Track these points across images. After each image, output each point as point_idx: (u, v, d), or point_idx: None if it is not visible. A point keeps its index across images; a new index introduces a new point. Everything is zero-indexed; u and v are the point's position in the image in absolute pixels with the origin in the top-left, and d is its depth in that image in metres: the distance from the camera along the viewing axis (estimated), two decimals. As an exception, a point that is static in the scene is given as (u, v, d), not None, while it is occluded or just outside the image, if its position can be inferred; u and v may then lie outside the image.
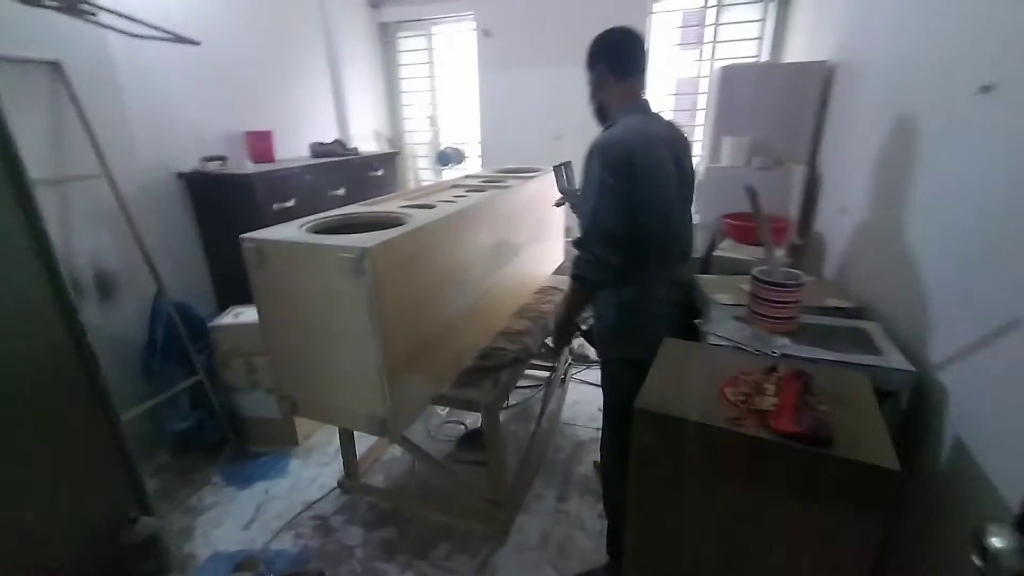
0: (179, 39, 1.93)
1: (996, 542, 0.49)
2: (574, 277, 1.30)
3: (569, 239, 1.77)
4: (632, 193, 1.19)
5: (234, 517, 1.92)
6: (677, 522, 0.93)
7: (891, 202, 1.30)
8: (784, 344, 1.09)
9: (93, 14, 1.68)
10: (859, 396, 0.88)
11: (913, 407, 1.01)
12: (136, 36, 1.92)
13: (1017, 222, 0.82)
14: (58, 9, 1.62)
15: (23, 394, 1.31)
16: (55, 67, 1.83)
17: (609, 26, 1.33)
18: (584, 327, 1.55)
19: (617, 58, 1.31)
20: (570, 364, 2.83)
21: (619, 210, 1.19)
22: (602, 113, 1.39)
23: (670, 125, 1.36)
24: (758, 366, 0.96)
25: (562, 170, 1.79)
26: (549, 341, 2.24)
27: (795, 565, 0.83)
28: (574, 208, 1.67)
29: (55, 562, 1.37)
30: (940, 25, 1.16)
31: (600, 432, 1.65)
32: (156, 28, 1.89)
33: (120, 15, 1.78)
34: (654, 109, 1.37)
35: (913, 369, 0.98)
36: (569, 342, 1.57)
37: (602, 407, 1.53)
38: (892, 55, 1.44)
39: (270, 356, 1.46)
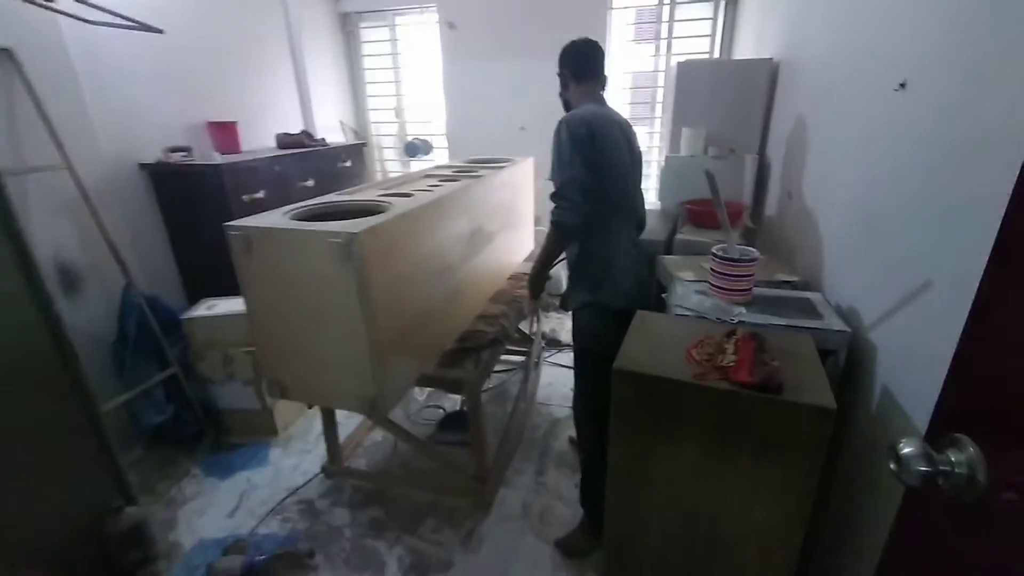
0: (143, 27, 1.89)
1: (906, 449, 0.62)
2: (554, 223, 1.47)
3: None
4: (593, 156, 1.43)
5: (217, 506, 1.93)
6: (653, 475, 1.05)
7: (825, 187, 1.47)
8: (741, 312, 1.23)
9: (49, 0, 1.63)
10: (804, 353, 1.02)
11: (850, 363, 1.17)
12: (93, 23, 1.87)
13: (927, 202, 0.97)
14: (12, -7, 1.57)
15: (4, 388, 1.29)
16: (7, 53, 1.76)
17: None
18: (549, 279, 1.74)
19: (576, 65, 1.59)
20: (543, 348, 2.94)
21: (585, 165, 1.42)
22: (567, 107, 1.66)
23: (617, 114, 1.61)
24: (719, 331, 1.09)
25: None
26: (527, 327, 2.36)
27: (752, 501, 0.96)
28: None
29: (39, 554, 1.36)
30: (865, 27, 1.31)
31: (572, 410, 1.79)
32: (116, 15, 1.84)
33: (76, 0, 1.73)
34: (610, 103, 1.64)
35: (848, 330, 1.14)
36: (543, 288, 1.74)
37: (574, 360, 1.69)
38: (825, 54, 1.61)
39: (257, 342, 1.49)
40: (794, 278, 1.47)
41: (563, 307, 1.73)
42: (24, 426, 1.36)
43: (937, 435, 0.65)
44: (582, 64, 1.60)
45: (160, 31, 1.98)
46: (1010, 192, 0.57)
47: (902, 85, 1.06)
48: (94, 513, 1.54)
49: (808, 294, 1.35)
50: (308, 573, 1.65)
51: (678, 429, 0.98)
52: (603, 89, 1.63)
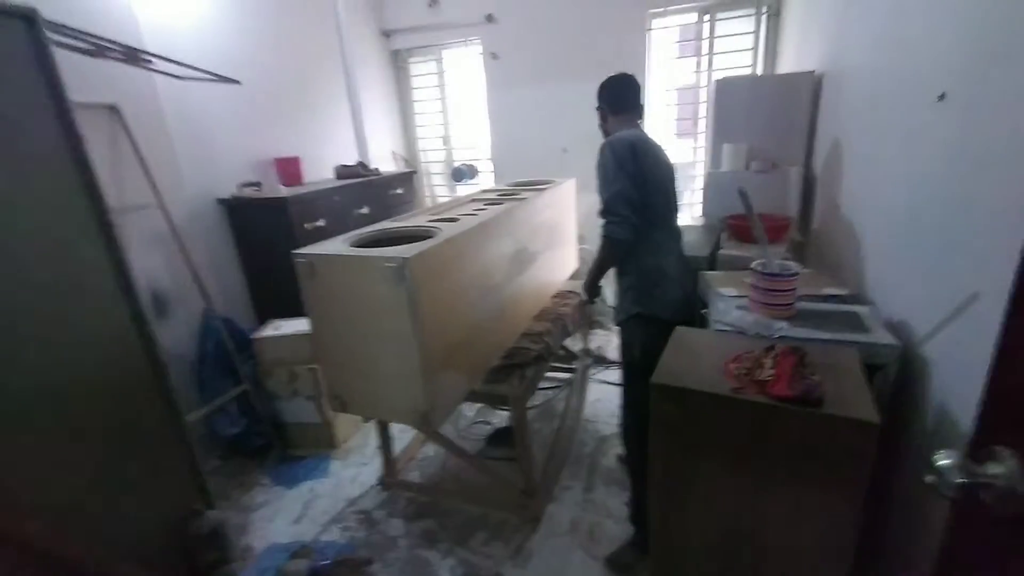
0: (221, 79, 2.13)
1: (943, 460, 0.62)
2: (604, 237, 1.57)
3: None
4: (636, 171, 1.53)
5: (284, 513, 2.08)
6: (693, 489, 1.06)
7: (871, 198, 1.44)
8: (782, 327, 1.23)
9: (149, 62, 1.88)
10: (848, 367, 1.01)
11: (902, 378, 1.14)
12: (181, 78, 2.13)
13: (970, 213, 0.95)
14: (120, 59, 1.83)
15: (104, 397, 1.48)
16: (113, 110, 2.04)
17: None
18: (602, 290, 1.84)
19: (612, 100, 1.73)
20: (591, 365, 2.96)
21: (630, 180, 1.52)
22: (607, 136, 1.74)
23: (655, 142, 1.70)
24: (758, 347, 1.10)
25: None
26: (573, 344, 2.42)
27: (796, 516, 0.96)
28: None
29: (133, 547, 1.52)
30: (905, 37, 1.30)
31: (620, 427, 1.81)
32: (200, 70, 2.10)
33: (171, 61, 1.99)
34: (648, 127, 1.77)
35: (897, 344, 1.11)
36: (599, 293, 1.83)
37: (621, 372, 1.76)
38: (866, 65, 1.59)
39: (320, 360, 1.62)
40: (842, 291, 1.45)
41: (614, 321, 1.81)
42: (123, 433, 1.54)
43: (978, 447, 0.65)
44: (618, 98, 1.73)
45: (237, 82, 2.23)
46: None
47: (942, 96, 1.05)
48: (179, 515, 1.71)
49: (856, 308, 1.33)
50: (366, 579, 1.74)
51: (717, 443, 0.99)
52: (640, 119, 1.75)
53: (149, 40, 2.12)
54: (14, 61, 1.28)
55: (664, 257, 1.65)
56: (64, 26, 1.54)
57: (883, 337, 1.14)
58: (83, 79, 1.92)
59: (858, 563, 0.99)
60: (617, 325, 1.74)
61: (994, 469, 0.59)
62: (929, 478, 0.63)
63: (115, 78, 2.03)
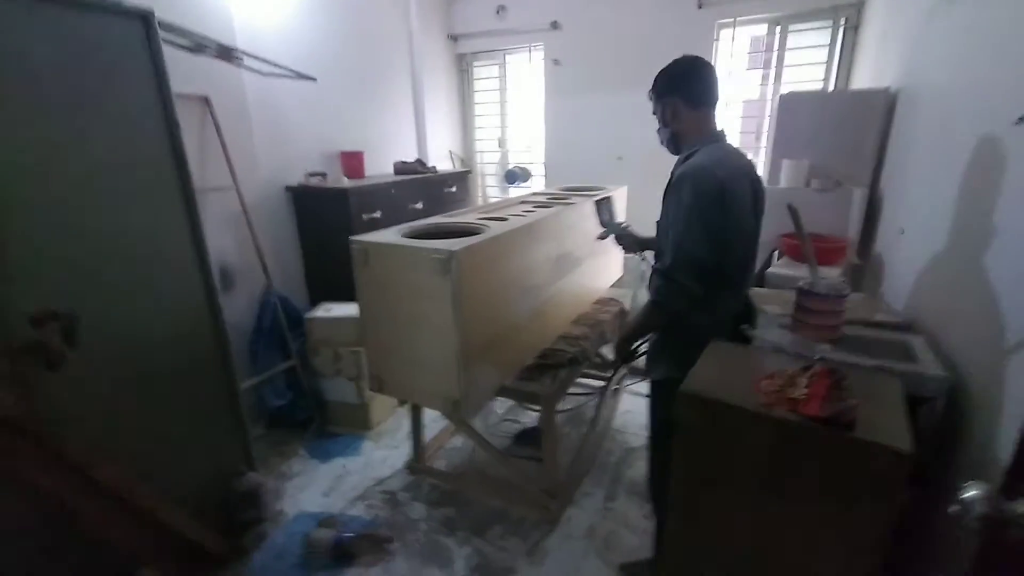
0: (300, 76, 2.30)
1: (970, 492, 0.60)
2: (655, 304, 1.29)
3: (639, 258, 1.86)
4: (720, 223, 1.21)
5: (316, 485, 2.19)
6: (713, 503, 1.05)
7: (939, 224, 1.37)
8: (824, 349, 1.19)
9: (240, 59, 2.07)
10: (888, 395, 0.97)
11: (952, 414, 1.08)
12: (265, 74, 2.31)
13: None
14: (216, 56, 2.02)
15: (176, 355, 1.64)
16: (204, 101, 2.24)
17: (674, 53, 1.36)
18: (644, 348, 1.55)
19: (689, 88, 1.31)
20: (624, 375, 2.93)
21: (708, 239, 1.20)
22: (675, 143, 1.38)
23: (744, 157, 1.36)
24: (795, 366, 1.08)
25: (603, 207, 2.00)
26: (609, 353, 2.38)
27: (815, 542, 0.93)
28: (619, 241, 1.88)
29: (184, 497, 1.66)
30: (984, 57, 1.23)
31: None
32: (282, 67, 2.27)
33: (257, 58, 2.17)
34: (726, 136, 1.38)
35: (947, 376, 1.05)
36: (630, 358, 1.54)
37: (648, 426, 1.54)
38: (943, 84, 1.50)
39: (364, 341, 1.72)
40: (895, 319, 1.38)
41: (646, 375, 1.54)
42: (185, 391, 1.69)
43: (1014, 483, 0.62)
44: (697, 85, 1.31)
45: (314, 79, 2.40)
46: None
47: (1022, 119, 1.00)
48: (225, 473, 1.85)
49: (908, 336, 1.26)
50: (385, 556, 1.81)
51: (741, 458, 0.98)
52: (715, 120, 1.37)
53: (241, 39, 2.32)
54: (132, 56, 1.46)
55: (719, 316, 1.35)
56: (173, 25, 1.72)
57: (932, 368, 1.08)
58: (181, 72, 2.12)
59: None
60: (648, 378, 1.50)
61: (1026, 507, 0.57)
62: (953, 508, 0.61)
63: (208, 72, 2.23)
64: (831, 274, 1.76)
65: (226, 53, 1.98)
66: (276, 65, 2.22)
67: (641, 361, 1.56)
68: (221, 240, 2.38)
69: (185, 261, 1.66)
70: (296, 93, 2.65)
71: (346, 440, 2.50)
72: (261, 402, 2.50)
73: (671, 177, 1.33)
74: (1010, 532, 0.58)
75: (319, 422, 2.56)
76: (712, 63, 1.35)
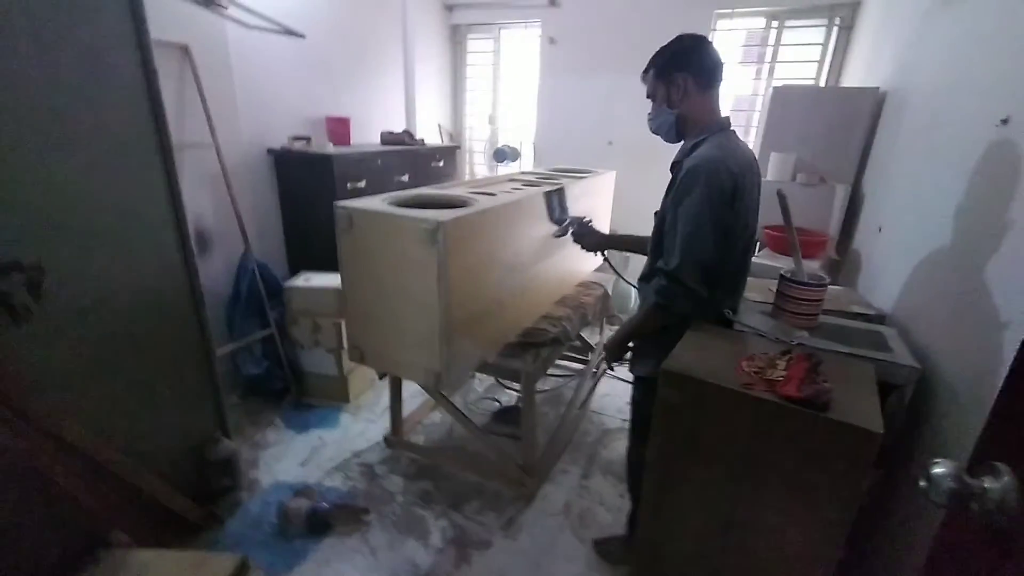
0: (288, 32, 2.21)
1: (938, 469, 0.63)
2: (659, 307, 1.22)
3: (599, 258, 1.73)
4: (731, 222, 1.16)
5: (292, 455, 2.18)
6: (689, 480, 1.08)
7: (916, 222, 1.41)
8: (802, 336, 1.22)
9: (224, 7, 1.97)
10: (861, 380, 1.01)
11: (920, 401, 1.13)
12: (250, 27, 2.21)
13: (1016, 243, 0.93)
14: (196, 2, 1.92)
15: (148, 317, 1.58)
16: (184, 50, 2.13)
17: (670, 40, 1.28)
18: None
19: (700, 64, 1.21)
20: (603, 358, 2.97)
21: (716, 238, 1.14)
22: (679, 128, 1.28)
23: (749, 149, 1.29)
24: (774, 349, 1.10)
25: (554, 198, 1.72)
26: (590, 336, 2.40)
27: (786, 518, 0.97)
28: (578, 239, 1.76)
29: (157, 462, 1.63)
30: (971, 60, 1.26)
31: (627, 422, 1.72)
32: (270, 20, 2.17)
33: (243, 8, 2.07)
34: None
35: (917, 366, 1.10)
36: (621, 359, 1.47)
37: (629, 423, 1.53)
38: (930, 86, 1.54)
39: (346, 310, 1.69)
40: (870, 311, 1.42)
41: (630, 370, 1.48)
42: (159, 353, 1.64)
43: (978, 461, 0.65)
44: (707, 62, 1.22)
45: (303, 36, 2.30)
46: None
47: (1005, 121, 1.02)
48: (199, 439, 1.82)
49: (882, 328, 1.30)
50: (362, 527, 1.81)
51: (718, 437, 1.00)
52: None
53: (223, -14, 2.21)
54: (104, -9, 1.36)
55: (713, 316, 1.30)
56: (150, -37, 1.62)
57: (904, 358, 1.12)
58: (160, 16, 2.01)
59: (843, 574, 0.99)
60: (634, 373, 1.44)
61: (990, 484, 0.60)
62: (922, 483, 0.64)
63: (190, 19, 2.12)
64: (811, 267, 1.80)
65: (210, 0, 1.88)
66: (263, 17, 2.12)
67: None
68: (198, 201, 2.30)
69: (160, 218, 1.59)
70: (282, 50, 2.54)
71: (323, 412, 2.48)
72: (237, 370, 2.45)
73: (677, 168, 1.24)
74: (972, 507, 0.61)
75: (296, 393, 2.53)
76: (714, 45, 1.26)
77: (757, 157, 2.35)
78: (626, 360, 1.48)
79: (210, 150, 2.25)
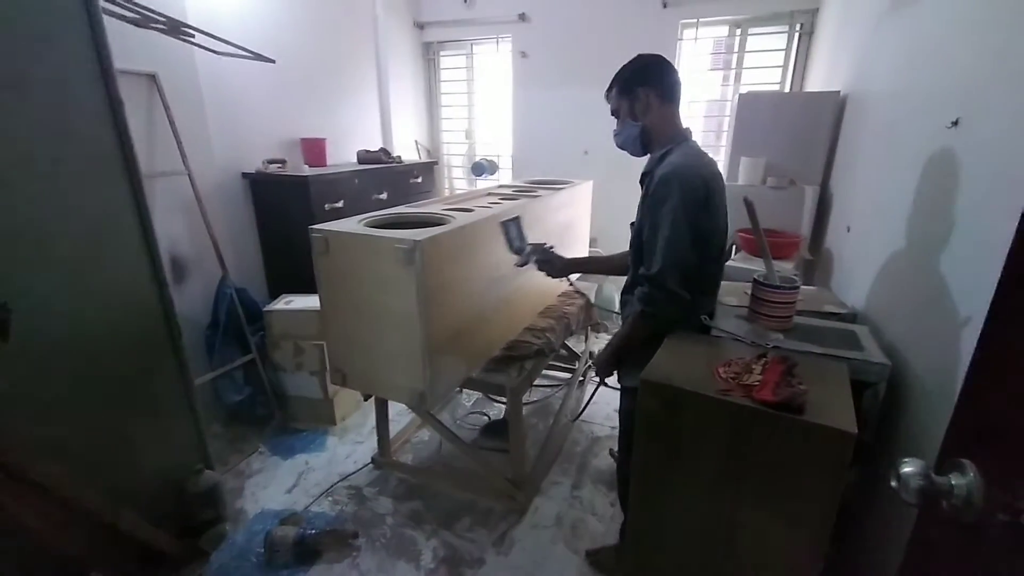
0: (258, 57, 2.20)
1: (906, 468, 0.65)
2: (646, 315, 1.24)
3: (566, 284, 1.68)
4: (706, 224, 1.20)
5: (278, 482, 2.14)
6: (673, 488, 1.09)
7: (881, 221, 1.45)
8: (778, 338, 1.25)
9: (191, 35, 1.96)
10: (835, 381, 1.03)
11: (893, 398, 1.15)
12: (220, 54, 2.20)
13: (973, 239, 0.96)
14: (162, 31, 1.91)
15: (122, 351, 1.55)
16: (152, 78, 2.12)
17: (639, 50, 1.35)
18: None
19: (660, 80, 1.28)
20: (589, 366, 2.98)
21: (693, 242, 1.19)
22: (644, 140, 1.33)
23: (710, 158, 1.34)
24: (750, 354, 1.12)
25: (511, 227, 1.64)
26: (575, 345, 2.40)
27: (770, 520, 0.98)
28: (542, 266, 1.67)
29: (135, 498, 1.59)
30: (924, 64, 1.31)
31: (615, 430, 1.74)
32: (239, 47, 2.17)
33: (211, 36, 2.06)
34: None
35: (888, 363, 1.12)
36: (612, 374, 1.47)
37: (619, 431, 1.53)
38: (888, 89, 1.60)
39: (326, 333, 1.68)
40: (842, 310, 1.46)
41: (618, 381, 1.48)
42: (135, 387, 1.61)
43: (945, 458, 0.67)
44: (668, 78, 1.28)
45: (272, 61, 2.30)
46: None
47: (955, 123, 1.07)
48: (179, 472, 1.77)
49: (854, 327, 1.34)
50: (351, 552, 1.78)
51: (699, 443, 1.02)
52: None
53: (192, 14, 2.20)
54: (67, 24, 1.35)
55: (696, 322, 1.32)
56: (113, -6, 1.61)
57: (875, 356, 1.15)
58: (126, 46, 1.99)
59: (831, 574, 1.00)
60: (622, 384, 1.45)
61: (957, 481, 0.61)
62: (893, 483, 0.66)
63: (157, 48, 2.10)
64: (784, 268, 1.84)
65: (174, 28, 1.86)
66: (231, 44, 2.11)
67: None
68: (173, 228, 2.27)
69: (131, 250, 1.56)
70: (253, 75, 2.54)
71: (309, 436, 2.44)
72: (218, 398, 2.40)
73: (649, 179, 1.29)
74: (942, 504, 0.62)
75: (280, 418, 2.49)
76: (674, 61, 1.36)
77: (727, 162, 2.41)
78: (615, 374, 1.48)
79: (183, 177, 2.22)
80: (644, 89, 1.28)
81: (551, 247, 1.69)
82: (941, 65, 1.22)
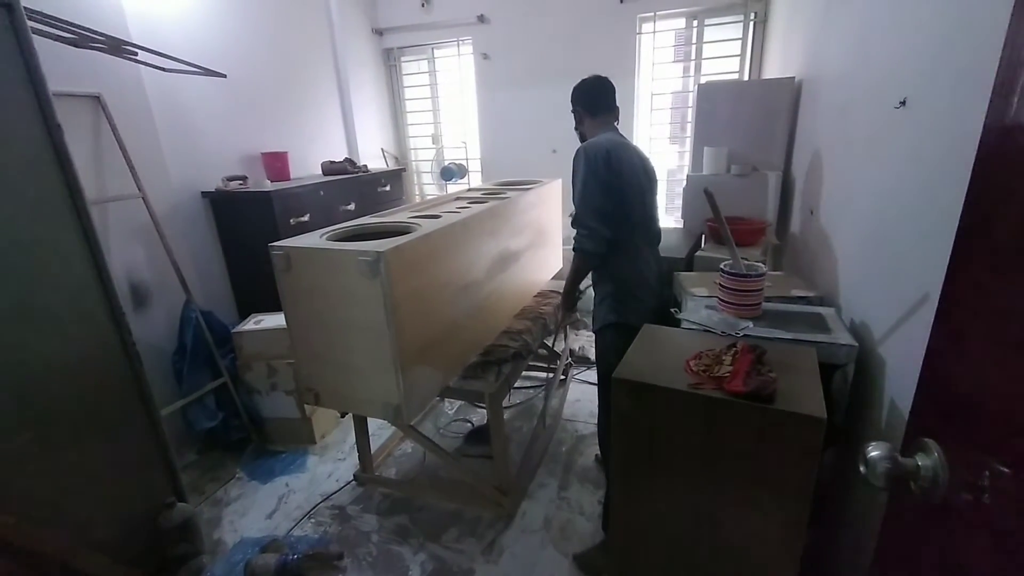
0: (207, 72, 2.13)
1: (873, 452, 0.64)
2: (575, 250, 1.59)
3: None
4: (612, 180, 1.53)
5: (258, 508, 2.07)
6: (653, 483, 1.08)
7: (841, 203, 1.47)
8: (747, 326, 1.25)
9: (134, 53, 1.89)
10: (804, 366, 1.03)
11: (860, 378, 1.16)
12: (168, 71, 2.13)
13: (925, 216, 0.98)
14: (103, 50, 1.83)
15: (78, 387, 1.48)
16: (96, 100, 2.03)
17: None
18: (581, 295, 1.87)
19: (588, 102, 1.73)
20: (571, 365, 2.98)
21: (603, 191, 1.52)
22: (584, 140, 1.74)
23: (631, 143, 1.73)
24: (722, 345, 1.12)
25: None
26: (557, 344, 2.43)
27: (750, 508, 0.97)
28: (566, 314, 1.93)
29: (102, 539, 1.52)
30: (871, 46, 1.33)
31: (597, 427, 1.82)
32: (186, 63, 2.10)
33: (156, 53, 1.99)
34: (637, 129, 1.72)
35: (854, 344, 1.13)
36: (574, 307, 1.86)
37: (598, 379, 1.79)
38: (839, 73, 1.62)
39: (295, 353, 1.63)
40: (809, 294, 1.47)
41: (592, 328, 1.82)
42: (96, 424, 1.53)
43: (910, 440, 0.67)
44: (594, 100, 1.73)
45: (223, 75, 2.23)
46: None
47: (902, 103, 1.08)
48: (150, 507, 1.70)
49: (821, 309, 1.35)
50: (337, 574, 1.74)
51: (675, 437, 1.01)
52: (616, 121, 1.76)
53: (135, 31, 2.12)
54: (-8, 47, 1.28)
55: (641, 265, 1.66)
56: (43, 14, 1.53)
57: (842, 338, 1.16)
58: (67, 69, 1.92)
59: (808, 562, 1.00)
60: (594, 333, 1.76)
61: (923, 461, 0.61)
62: (861, 468, 0.65)
63: (100, 68, 2.02)
64: (752, 254, 1.86)
65: (116, 46, 1.79)
66: (178, 60, 2.04)
67: (590, 348, 1.70)
68: (130, 254, 2.19)
69: (81, 280, 1.49)
70: (206, 91, 2.46)
71: (289, 457, 2.38)
72: (190, 426, 2.32)
73: None
74: (911, 486, 0.62)
75: (257, 441, 2.42)
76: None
77: (691, 152, 2.43)
78: (585, 352, 1.72)
79: (138, 200, 2.14)
80: (576, 107, 1.76)
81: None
82: (887, 47, 1.24)
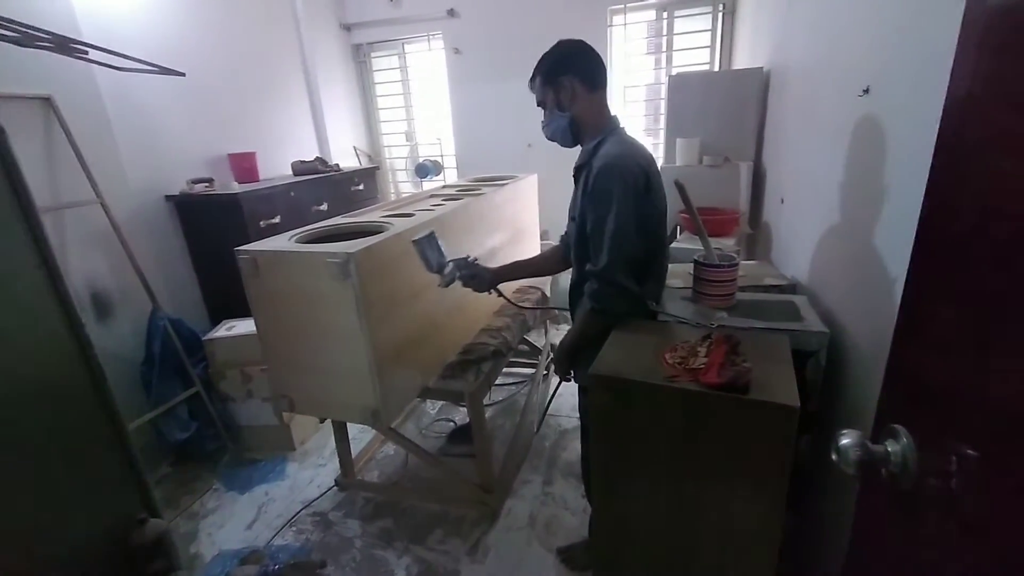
0: (164, 71, 2.05)
1: (844, 440, 0.65)
2: (596, 312, 1.22)
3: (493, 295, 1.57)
4: (649, 212, 1.19)
5: (237, 519, 2.02)
6: (632, 477, 1.08)
7: (810, 191, 1.49)
8: (722, 317, 1.26)
9: (85, 52, 1.80)
10: (778, 355, 1.04)
11: (832, 364, 1.18)
12: (123, 70, 2.04)
13: (889, 203, 0.99)
14: (50, 49, 1.74)
15: (35, 405, 1.40)
16: (46, 102, 1.94)
17: (570, 38, 1.28)
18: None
19: (585, 66, 1.23)
20: (551, 360, 2.97)
21: (641, 232, 1.16)
22: (573, 131, 1.28)
23: (641, 144, 1.29)
24: (697, 336, 1.12)
25: (425, 245, 1.42)
26: (535, 339, 2.39)
27: (728, 499, 0.98)
28: (467, 282, 1.49)
29: (70, 563, 1.46)
30: (836, 34, 1.35)
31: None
32: (142, 62, 2.01)
33: (108, 51, 1.90)
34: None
35: (826, 331, 1.15)
36: (570, 372, 1.44)
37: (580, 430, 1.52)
38: (805, 62, 1.64)
39: (267, 359, 1.58)
40: (782, 282, 1.49)
41: (574, 379, 1.46)
42: (57, 443, 1.46)
43: (879, 426, 0.67)
44: (591, 63, 1.23)
45: (182, 74, 2.15)
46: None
47: (866, 91, 1.09)
48: (121, 525, 1.64)
49: (794, 297, 1.36)
50: (320, 582, 1.70)
51: (652, 431, 1.01)
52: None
53: (87, 29, 2.03)
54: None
55: (644, 312, 1.30)
56: (-17, 12, 1.45)
57: (814, 325, 1.17)
58: (14, 69, 1.82)
59: (789, 548, 1.02)
60: (578, 383, 1.45)
61: (892, 447, 0.61)
62: (834, 456, 0.66)
63: (50, 69, 1.92)
64: (726, 244, 1.87)
65: (63, 45, 1.70)
66: (133, 59, 1.95)
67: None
68: (90, 263, 2.10)
69: (33, 292, 1.42)
70: (165, 91, 2.37)
71: (267, 465, 2.32)
72: (162, 437, 2.25)
73: (586, 170, 1.23)
74: (882, 472, 0.62)
75: (234, 450, 2.35)
76: (606, 48, 1.33)
77: (664, 144, 2.44)
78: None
79: (95, 206, 2.05)
80: (568, 77, 1.23)
81: (475, 259, 1.50)
82: (851, 35, 1.25)
